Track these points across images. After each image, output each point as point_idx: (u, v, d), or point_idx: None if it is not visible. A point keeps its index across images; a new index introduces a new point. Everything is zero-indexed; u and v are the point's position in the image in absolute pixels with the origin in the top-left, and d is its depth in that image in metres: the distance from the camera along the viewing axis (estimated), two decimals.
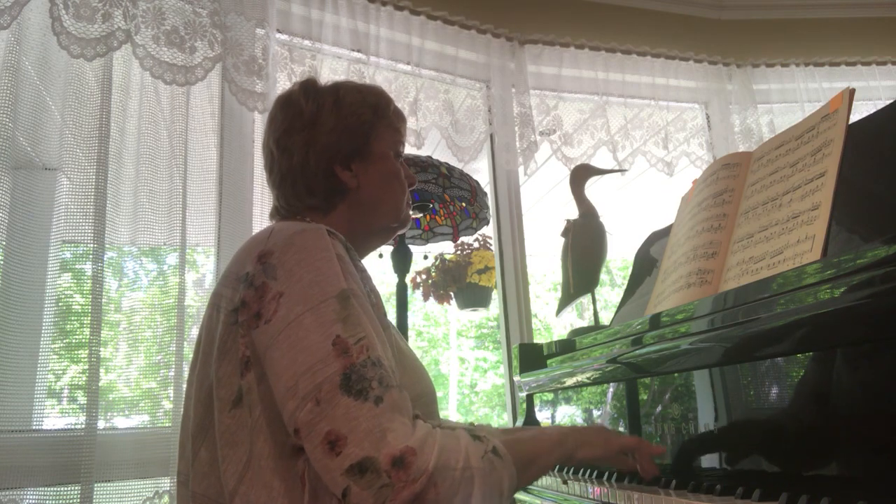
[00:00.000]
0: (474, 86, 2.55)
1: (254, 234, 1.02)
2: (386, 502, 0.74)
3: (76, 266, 1.71)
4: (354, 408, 0.76)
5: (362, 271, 0.95)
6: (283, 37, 2.13)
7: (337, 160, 1.06)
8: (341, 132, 1.06)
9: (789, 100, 2.93)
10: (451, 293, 3.52)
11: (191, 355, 1.69)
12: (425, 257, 2.78)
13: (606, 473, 1.14)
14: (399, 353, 0.95)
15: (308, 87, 1.10)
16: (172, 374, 1.66)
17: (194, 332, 1.76)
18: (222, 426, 0.85)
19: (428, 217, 1.90)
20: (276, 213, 1.12)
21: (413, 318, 7.53)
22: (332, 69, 2.20)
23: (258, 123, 2.00)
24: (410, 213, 1.21)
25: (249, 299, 0.86)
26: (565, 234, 1.86)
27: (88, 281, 1.59)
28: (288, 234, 0.90)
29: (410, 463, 0.74)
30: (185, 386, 1.62)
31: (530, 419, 1.57)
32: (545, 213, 3.93)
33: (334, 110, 1.07)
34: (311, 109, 1.07)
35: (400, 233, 1.23)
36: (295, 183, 1.06)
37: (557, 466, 1.31)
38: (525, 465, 0.88)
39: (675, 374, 1.04)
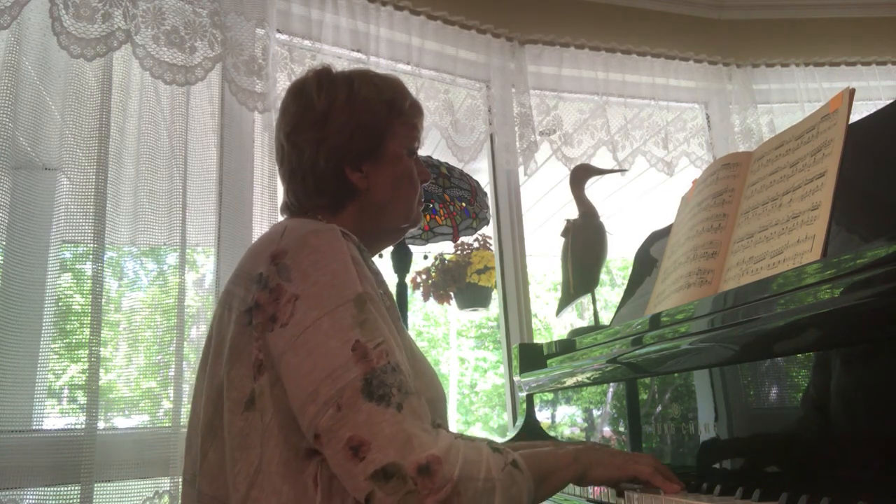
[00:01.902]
0: (474, 86, 2.55)
1: (267, 230, 1.02)
2: None
3: (76, 266, 1.71)
4: (377, 413, 0.76)
5: (376, 274, 0.94)
6: (283, 37, 2.13)
7: (347, 161, 1.03)
8: (353, 131, 1.03)
9: (789, 100, 2.93)
10: (451, 293, 3.52)
11: (191, 355, 1.70)
12: (425, 257, 2.78)
13: None
14: (412, 357, 0.95)
15: (322, 78, 1.06)
16: (172, 374, 1.66)
17: (194, 331, 1.76)
18: (234, 428, 0.84)
19: (428, 217, 1.90)
20: (287, 209, 1.10)
21: (413, 318, 7.53)
22: None
23: (258, 123, 1.99)
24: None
25: (263, 301, 0.85)
26: (565, 234, 1.86)
27: (88, 281, 1.59)
28: (302, 235, 0.88)
29: (436, 471, 0.75)
30: (185, 386, 1.64)
31: (530, 419, 1.57)
32: (545, 213, 3.93)
33: (347, 106, 1.03)
34: (323, 104, 1.03)
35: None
36: (304, 180, 1.04)
37: None
38: (541, 479, 0.87)
39: (675, 374, 1.04)
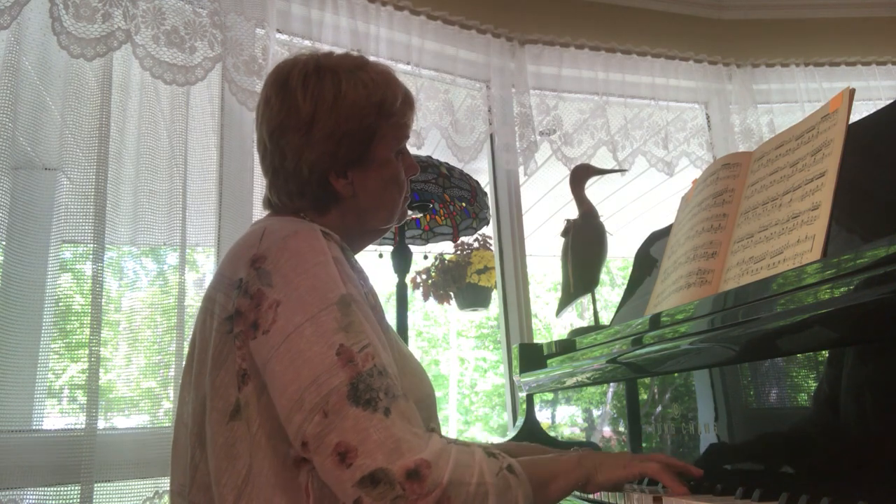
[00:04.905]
0: (474, 86, 2.55)
1: (246, 232, 0.98)
2: None
3: (76, 266, 1.71)
4: (364, 419, 0.75)
5: (359, 272, 0.92)
6: (283, 37, 2.13)
7: (332, 169, 0.98)
8: (340, 139, 0.97)
9: (789, 100, 2.93)
10: (451, 293, 3.52)
11: None
12: (425, 257, 2.78)
13: None
14: (399, 356, 0.93)
15: (308, 75, 0.98)
16: (172, 374, 1.66)
17: None
18: (219, 438, 0.83)
19: (428, 217, 1.90)
20: (269, 205, 1.06)
21: (413, 318, 7.53)
22: None
23: None
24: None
25: (245, 308, 0.83)
26: (565, 234, 1.86)
27: (88, 281, 1.59)
28: (281, 237, 0.86)
29: (425, 476, 0.73)
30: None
31: (530, 419, 1.57)
32: (545, 213, 3.93)
33: (333, 111, 0.96)
34: (309, 107, 0.96)
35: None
36: (287, 182, 0.99)
37: None
38: (541, 485, 0.86)
39: (675, 374, 1.04)
